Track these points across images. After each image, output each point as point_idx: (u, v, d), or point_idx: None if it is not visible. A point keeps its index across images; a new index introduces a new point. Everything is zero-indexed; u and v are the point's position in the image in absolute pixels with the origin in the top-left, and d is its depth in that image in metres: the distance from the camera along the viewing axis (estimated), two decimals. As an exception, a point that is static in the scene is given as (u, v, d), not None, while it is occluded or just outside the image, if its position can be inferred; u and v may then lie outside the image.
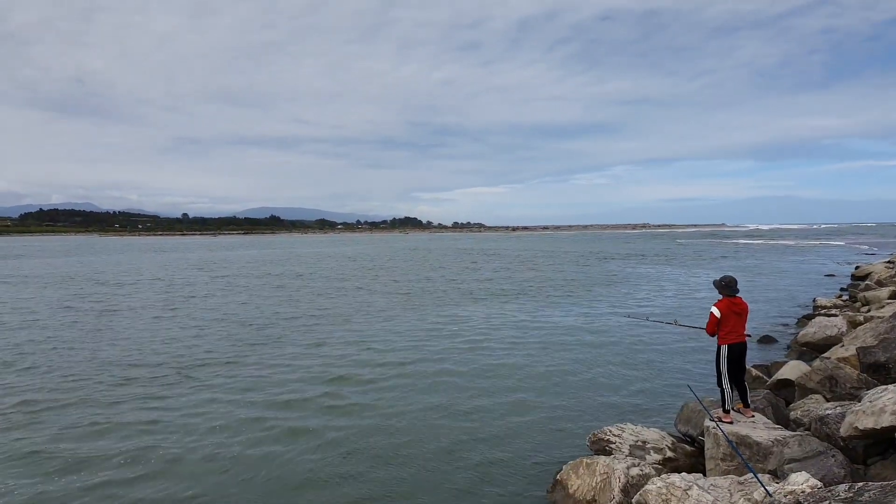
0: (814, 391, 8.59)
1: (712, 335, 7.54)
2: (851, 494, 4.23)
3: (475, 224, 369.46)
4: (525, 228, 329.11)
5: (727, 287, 7.54)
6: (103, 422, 9.84)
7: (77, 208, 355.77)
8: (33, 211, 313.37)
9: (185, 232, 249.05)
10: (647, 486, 5.80)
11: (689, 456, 7.45)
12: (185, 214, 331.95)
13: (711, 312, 7.45)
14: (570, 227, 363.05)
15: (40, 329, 18.71)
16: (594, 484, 6.47)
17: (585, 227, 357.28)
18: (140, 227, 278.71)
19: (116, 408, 10.61)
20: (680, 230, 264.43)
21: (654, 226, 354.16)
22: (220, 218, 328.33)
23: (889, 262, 33.74)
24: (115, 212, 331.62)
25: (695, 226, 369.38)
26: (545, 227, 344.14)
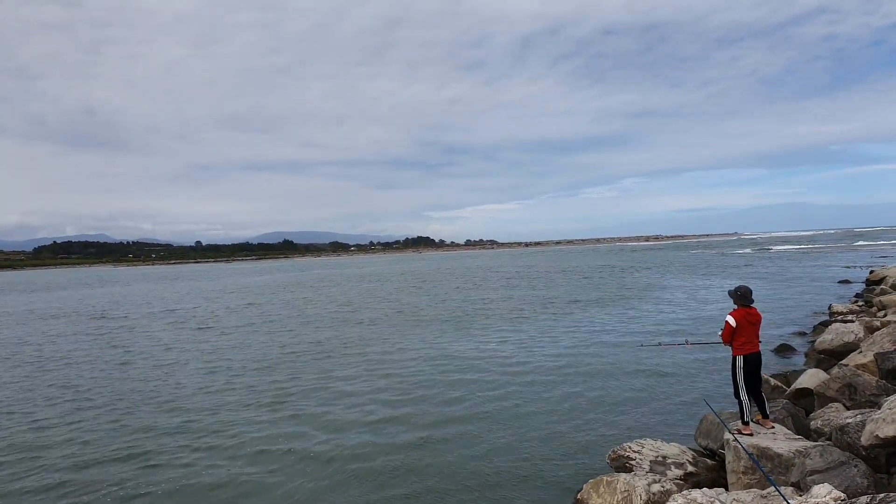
0: (833, 399, 8.51)
1: (727, 344, 7.52)
2: (874, 505, 4.21)
3: (488, 241, 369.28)
4: (538, 244, 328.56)
5: (742, 297, 7.52)
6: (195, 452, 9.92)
7: (91, 239, 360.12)
8: (47, 244, 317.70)
9: (199, 259, 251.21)
10: (668, 503, 5.78)
11: (711, 470, 7.40)
12: (198, 242, 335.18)
13: (727, 321, 7.42)
14: (582, 240, 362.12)
15: (107, 364, 18.74)
16: (615, 502, 6.44)
17: (598, 240, 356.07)
18: (154, 256, 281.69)
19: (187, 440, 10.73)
20: (692, 240, 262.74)
21: (665, 237, 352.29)
22: (233, 245, 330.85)
23: (905, 265, 33.29)
24: (128, 242, 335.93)
25: (707, 235, 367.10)
26: (558, 242, 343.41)
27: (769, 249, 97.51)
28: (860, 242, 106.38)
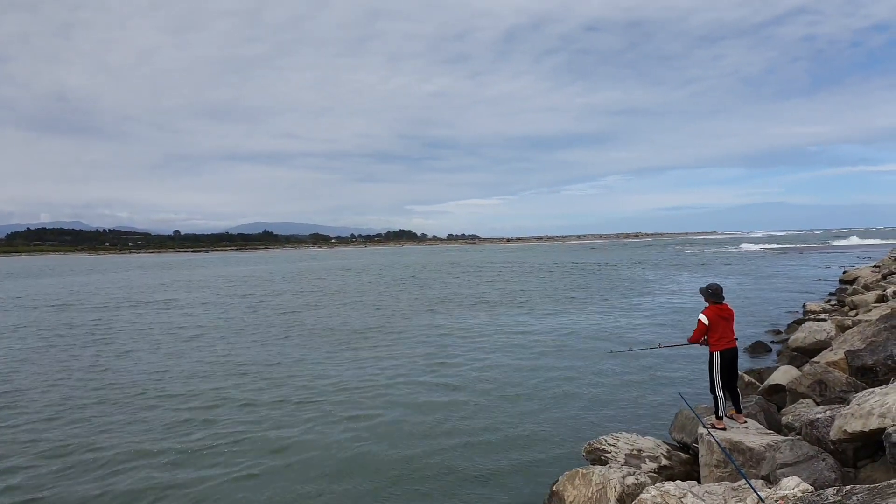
0: (804, 395, 8.69)
1: (698, 342, 7.58)
2: (840, 497, 4.31)
3: (470, 236, 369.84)
4: (520, 239, 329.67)
5: (714, 294, 7.61)
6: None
7: (66, 227, 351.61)
8: (21, 230, 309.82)
9: (178, 249, 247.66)
10: (642, 495, 5.85)
11: (684, 463, 7.50)
12: (176, 231, 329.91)
13: (699, 320, 7.49)
14: (564, 237, 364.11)
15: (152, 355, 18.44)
16: (590, 494, 6.51)
17: (579, 237, 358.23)
18: (131, 244, 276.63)
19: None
20: (673, 238, 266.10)
21: (647, 234, 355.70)
22: (212, 234, 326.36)
23: (875, 266, 34.11)
24: (105, 230, 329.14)
25: (687, 233, 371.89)
26: (539, 238, 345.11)
27: (747, 248, 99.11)
28: (836, 242, 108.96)
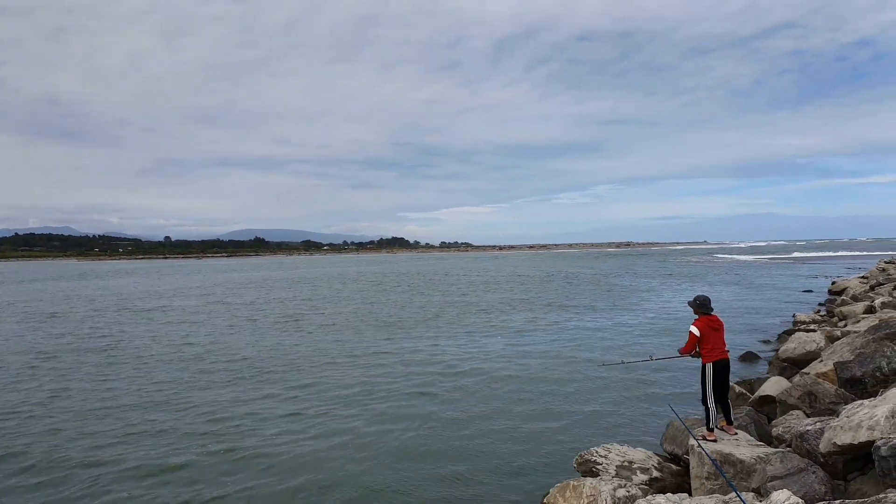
0: (794, 407, 8.70)
1: (690, 354, 7.60)
2: (830, 511, 4.31)
3: (462, 243, 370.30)
4: (511, 247, 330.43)
5: (702, 306, 7.65)
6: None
7: (56, 232, 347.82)
8: (8, 236, 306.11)
9: (168, 255, 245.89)
10: (633, 507, 5.83)
11: (676, 475, 7.49)
12: (167, 237, 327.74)
13: (690, 332, 7.51)
14: (556, 245, 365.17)
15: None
16: (581, 506, 6.47)
17: (570, 245, 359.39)
18: (121, 250, 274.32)
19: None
20: (663, 248, 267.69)
21: (637, 244, 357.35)
22: (203, 241, 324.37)
23: (864, 277, 34.42)
24: (94, 235, 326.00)
25: (677, 243, 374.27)
26: (531, 246, 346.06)
27: (737, 258, 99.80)
28: (826, 253, 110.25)
